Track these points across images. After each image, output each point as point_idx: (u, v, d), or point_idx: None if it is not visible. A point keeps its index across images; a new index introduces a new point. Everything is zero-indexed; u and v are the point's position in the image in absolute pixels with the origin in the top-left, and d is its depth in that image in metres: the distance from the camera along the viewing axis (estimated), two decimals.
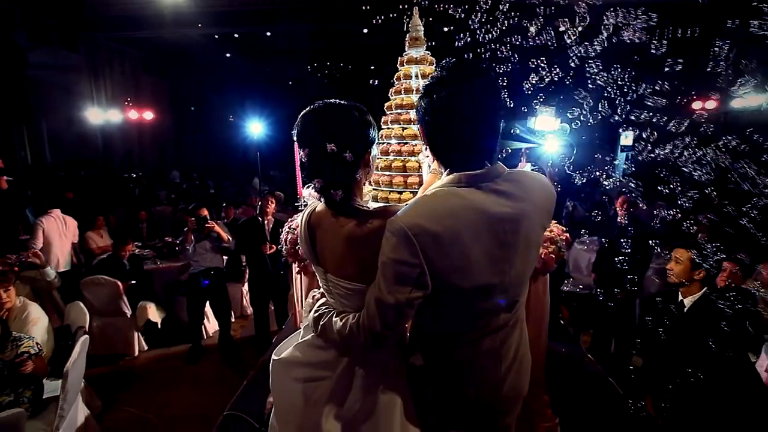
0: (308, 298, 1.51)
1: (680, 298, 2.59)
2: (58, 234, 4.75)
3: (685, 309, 2.53)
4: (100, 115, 11.22)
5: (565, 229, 2.44)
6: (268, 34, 12.34)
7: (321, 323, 1.28)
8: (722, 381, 2.28)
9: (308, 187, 1.29)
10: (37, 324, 3.10)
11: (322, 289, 1.39)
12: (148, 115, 12.42)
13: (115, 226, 6.59)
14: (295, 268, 2.41)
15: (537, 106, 2.86)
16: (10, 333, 2.69)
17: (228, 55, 13.97)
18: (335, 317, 1.24)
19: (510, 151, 4.12)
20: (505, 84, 2.29)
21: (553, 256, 2.14)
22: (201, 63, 14.78)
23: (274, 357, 1.45)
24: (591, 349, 4.06)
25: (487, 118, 1.12)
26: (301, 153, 1.24)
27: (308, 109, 1.26)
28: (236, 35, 12.40)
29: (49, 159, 9.77)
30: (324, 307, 1.32)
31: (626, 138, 16.80)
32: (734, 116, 9.88)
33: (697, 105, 10.30)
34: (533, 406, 2.57)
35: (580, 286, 4.27)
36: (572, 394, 2.90)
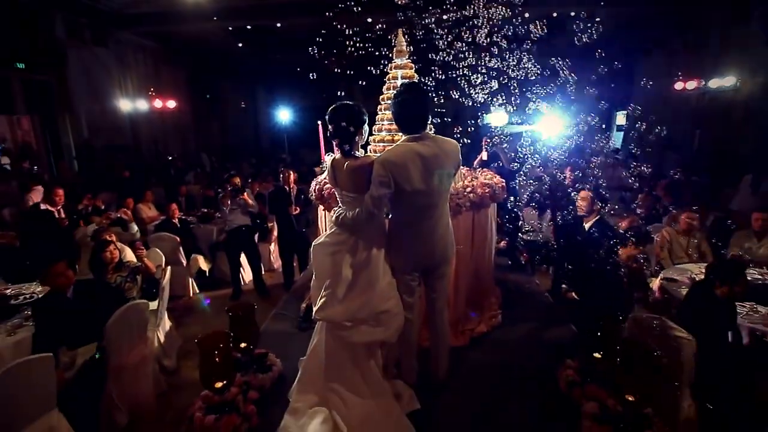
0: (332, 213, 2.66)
1: (584, 224, 3.72)
2: None
3: (586, 230, 3.66)
4: (128, 104, 12.38)
5: (502, 180, 3.56)
6: (279, 25, 13.29)
7: (340, 218, 2.43)
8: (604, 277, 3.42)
9: (328, 155, 2.45)
10: (132, 261, 4.32)
11: (339, 203, 2.52)
12: (171, 104, 13.54)
13: (154, 202, 7.81)
14: (320, 208, 3.56)
15: (492, 105, 3.83)
16: (122, 260, 3.92)
17: (240, 45, 14.94)
18: (347, 213, 2.39)
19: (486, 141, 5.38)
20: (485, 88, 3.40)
21: (488, 195, 3.25)
22: (216, 53, 15.75)
23: (314, 243, 2.61)
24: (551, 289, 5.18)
25: (420, 111, 2.26)
26: (330, 127, 2.36)
27: (334, 105, 2.38)
28: (248, 27, 13.38)
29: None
30: (340, 211, 2.47)
31: (622, 116, 17.69)
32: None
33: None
34: (484, 303, 3.72)
35: (541, 235, 5.37)
36: (516, 300, 4.06)
